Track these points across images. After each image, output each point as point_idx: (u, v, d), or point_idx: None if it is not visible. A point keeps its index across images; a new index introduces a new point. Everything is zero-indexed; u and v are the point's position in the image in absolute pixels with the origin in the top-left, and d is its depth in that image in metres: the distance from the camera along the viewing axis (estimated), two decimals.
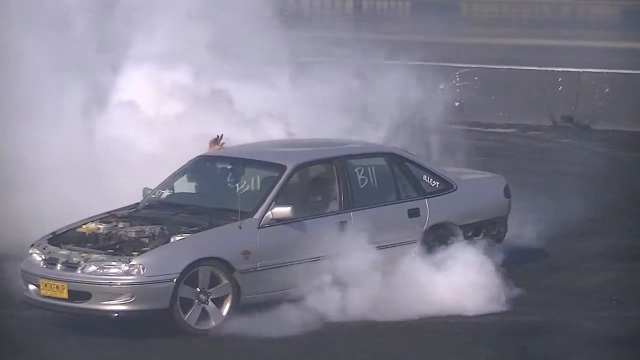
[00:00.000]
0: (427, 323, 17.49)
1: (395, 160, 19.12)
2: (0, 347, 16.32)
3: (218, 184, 18.94)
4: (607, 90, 36.36)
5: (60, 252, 17.20)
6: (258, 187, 18.53)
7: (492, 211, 19.56)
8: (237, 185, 18.28)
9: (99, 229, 17.92)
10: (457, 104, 35.28)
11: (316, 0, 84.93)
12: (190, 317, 16.77)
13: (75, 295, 16.61)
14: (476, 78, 37.72)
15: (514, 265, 19.79)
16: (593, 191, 27.42)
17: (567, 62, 46.15)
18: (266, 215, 17.54)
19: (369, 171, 18.73)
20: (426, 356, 16.57)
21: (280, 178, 17.80)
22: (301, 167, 18.31)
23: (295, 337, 16.66)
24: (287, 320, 17.05)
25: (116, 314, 16.67)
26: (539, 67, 42.54)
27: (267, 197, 17.72)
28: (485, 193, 20.08)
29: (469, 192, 19.54)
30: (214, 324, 16.78)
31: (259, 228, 17.55)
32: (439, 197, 18.94)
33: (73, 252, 17.17)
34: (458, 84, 38.05)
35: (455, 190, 19.18)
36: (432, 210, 18.64)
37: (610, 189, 28.30)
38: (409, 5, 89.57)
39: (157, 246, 17.23)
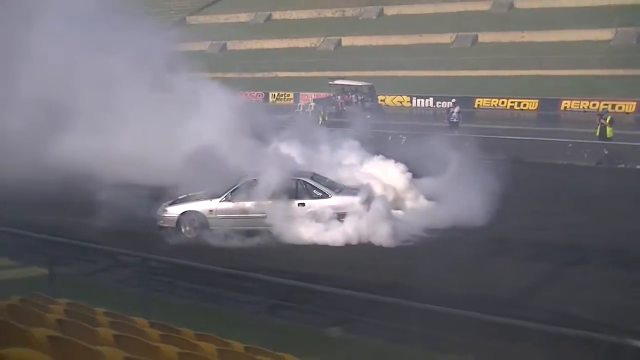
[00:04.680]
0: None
1: (301, 181, 20.33)
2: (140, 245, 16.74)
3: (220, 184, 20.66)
4: None
5: (163, 206, 21.02)
6: (229, 186, 20.57)
7: (348, 208, 19.90)
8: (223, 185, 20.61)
9: (185, 197, 21.28)
10: None
11: None
12: (185, 232, 20.49)
13: (161, 222, 20.82)
14: None
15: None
16: None
17: None
18: (224, 197, 20.50)
19: (285, 184, 20.03)
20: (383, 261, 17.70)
21: (237, 183, 20.47)
22: (248, 179, 20.37)
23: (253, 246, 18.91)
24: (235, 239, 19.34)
25: (162, 228, 20.55)
26: None
27: (227, 190, 20.51)
28: (345, 200, 20.25)
29: (336, 199, 20.16)
30: (195, 235, 20.22)
31: (219, 202, 20.50)
32: (318, 199, 20.06)
33: (165, 205, 21.01)
34: None
35: (329, 197, 20.15)
36: (312, 204, 19.95)
37: None
38: None
39: (178, 204, 21.00)
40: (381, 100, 58.58)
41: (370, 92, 56.07)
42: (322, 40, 78.16)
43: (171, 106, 25.93)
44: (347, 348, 11.66)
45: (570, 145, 33.37)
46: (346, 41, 76.74)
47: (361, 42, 74.59)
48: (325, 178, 21.41)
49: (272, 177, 19.94)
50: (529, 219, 21.25)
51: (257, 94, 66.11)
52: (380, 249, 18.79)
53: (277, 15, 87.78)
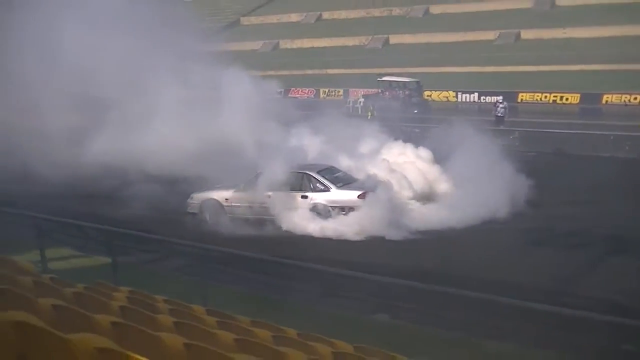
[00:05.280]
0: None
1: (306, 175, 20.29)
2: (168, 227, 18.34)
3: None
4: None
5: (192, 194, 21.48)
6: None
7: (348, 202, 19.62)
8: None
9: (220, 185, 21.40)
10: None
11: None
12: (208, 218, 20.85)
13: (189, 208, 21.26)
14: None
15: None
16: None
17: None
18: (239, 186, 20.82)
19: (292, 177, 20.17)
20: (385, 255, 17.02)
21: (252, 177, 20.39)
22: (259, 173, 20.19)
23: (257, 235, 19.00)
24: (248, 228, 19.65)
25: (189, 214, 21.12)
26: None
27: (241, 183, 20.79)
28: (345, 194, 19.93)
29: (336, 193, 19.98)
30: (214, 221, 20.43)
31: (234, 192, 20.83)
32: (319, 192, 19.99)
33: (193, 193, 21.51)
34: None
35: (329, 191, 20.01)
36: (315, 198, 19.96)
37: None
38: None
39: (204, 192, 21.47)
40: (427, 96, 58.28)
41: (417, 88, 55.80)
42: (370, 38, 77.97)
43: (200, 100, 26.17)
44: (395, 334, 11.47)
45: (612, 137, 32.72)
46: (394, 39, 76.44)
47: (408, 39, 74.22)
48: (338, 171, 21.34)
49: (276, 170, 19.99)
50: (569, 209, 20.83)
51: (308, 90, 66.14)
52: (380, 242, 18.43)
53: (327, 15, 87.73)
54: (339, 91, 64.79)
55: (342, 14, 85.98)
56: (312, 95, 65.50)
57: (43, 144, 25.76)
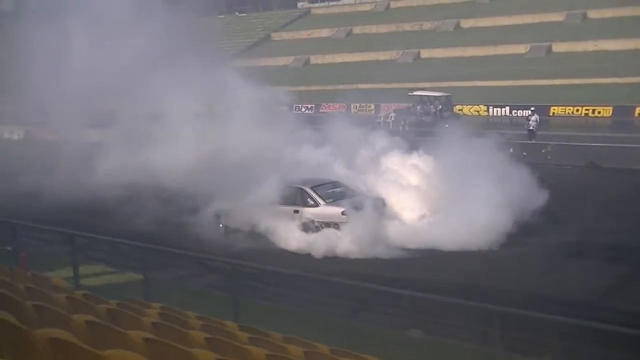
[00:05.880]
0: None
1: (300, 190, 20.73)
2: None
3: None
4: None
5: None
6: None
7: (332, 218, 19.95)
8: None
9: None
10: None
11: None
12: (217, 229, 21.38)
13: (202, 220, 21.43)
14: None
15: None
16: None
17: None
18: (241, 199, 20.85)
19: (287, 191, 20.70)
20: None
21: (252, 190, 20.54)
22: (258, 186, 20.56)
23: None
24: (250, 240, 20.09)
25: (201, 225, 21.20)
26: None
27: (244, 195, 20.82)
28: (331, 211, 20.14)
29: (324, 209, 20.31)
30: (224, 230, 21.39)
31: (237, 204, 20.94)
32: (310, 208, 20.43)
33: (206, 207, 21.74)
34: None
35: (319, 206, 20.35)
36: (305, 212, 20.41)
37: None
38: None
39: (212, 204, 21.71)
40: (459, 110, 58.01)
41: (447, 102, 55.59)
42: (401, 53, 77.89)
43: (201, 114, 26.84)
44: (429, 349, 11.36)
45: None
46: (424, 53, 76.30)
47: (439, 54, 74.07)
48: (340, 186, 21.49)
49: (272, 184, 20.51)
50: (603, 223, 20.88)
51: (339, 105, 66.14)
52: (366, 261, 18.50)
53: (357, 29, 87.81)
54: (370, 106, 64.64)
55: (373, 29, 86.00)
56: (344, 110, 65.39)
57: (58, 158, 26.58)
